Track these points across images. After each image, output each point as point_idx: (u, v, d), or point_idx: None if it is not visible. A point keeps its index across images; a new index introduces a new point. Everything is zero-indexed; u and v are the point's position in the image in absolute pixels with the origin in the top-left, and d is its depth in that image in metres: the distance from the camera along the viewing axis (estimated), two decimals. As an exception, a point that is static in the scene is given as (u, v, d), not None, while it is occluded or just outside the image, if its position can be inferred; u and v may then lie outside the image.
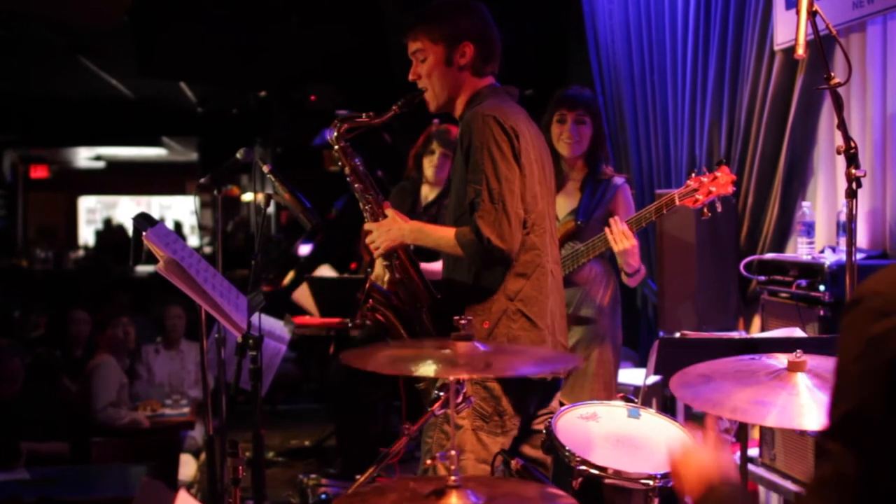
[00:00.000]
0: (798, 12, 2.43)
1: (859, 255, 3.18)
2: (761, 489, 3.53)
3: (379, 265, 2.83)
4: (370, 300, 2.71)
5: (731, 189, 3.19)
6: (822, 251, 3.46)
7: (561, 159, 3.52)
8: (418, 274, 2.76)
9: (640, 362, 4.81)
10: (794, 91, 3.90)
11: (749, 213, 4.20)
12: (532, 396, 2.63)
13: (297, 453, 5.96)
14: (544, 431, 2.44)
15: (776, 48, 3.96)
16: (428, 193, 4.32)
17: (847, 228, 2.53)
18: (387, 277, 2.79)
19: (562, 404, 2.70)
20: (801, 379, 2.14)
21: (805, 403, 2.06)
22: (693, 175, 3.21)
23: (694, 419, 3.90)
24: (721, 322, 4.12)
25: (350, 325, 5.21)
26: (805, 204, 3.61)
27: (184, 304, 5.47)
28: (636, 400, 2.60)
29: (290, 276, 7.86)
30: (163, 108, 13.14)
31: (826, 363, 2.22)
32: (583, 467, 2.28)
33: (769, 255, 3.70)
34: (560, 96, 3.54)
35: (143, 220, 2.41)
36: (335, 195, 8.01)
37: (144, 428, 4.97)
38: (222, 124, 12.81)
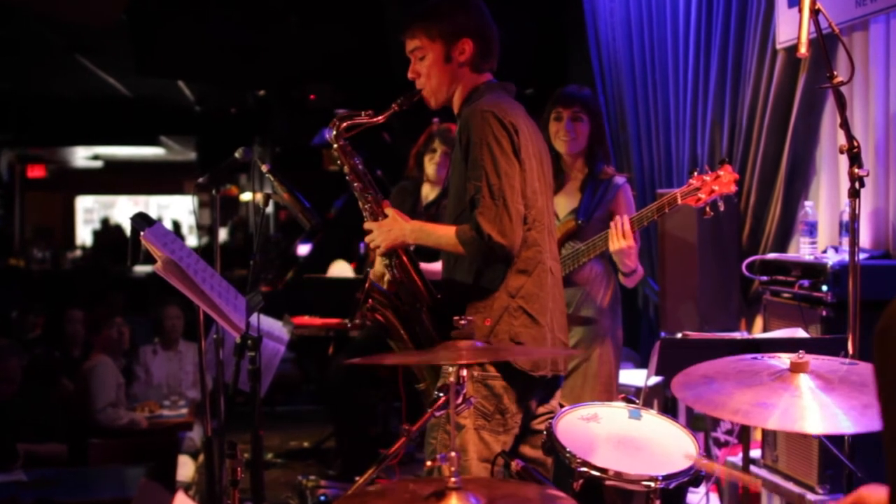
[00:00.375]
0: (800, 10, 2.42)
1: (862, 255, 3.17)
2: (763, 491, 3.52)
3: (379, 264, 2.81)
4: (370, 300, 2.69)
5: (733, 188, 3.17)
6: (824, 251, 3.44)
7: (561, 158, 3.51)
8: (418, 274, 2.74)
9: (642, 363, 4.80)
10: (796, 90, 3.89)
11: (751, 213, 4.19)
12: (533, 394, 2.62)
13: (296, 455, 5.94)
14: (545, 432, 2.43)
15: (778, 47, 3.94)
16: (429, 192, 4.31)
17: (850, 228, 2.52)
18: (386, 277, 2.77)
19: (561, 406, 2.69)
20: (804, 380, 2.13)
21: (807, 406, 2.05)
22: (695, 174, 3.19)
23: (696, 420, 3.88)
24: (723, 322, 4.11)
25: (349, 325, 5.20)
26: (808, 203, 3.60)
27: (182, 305, 5.46)
28: (637, 401, 2.59)
29: (290, 275, 7.85)
30: (161, 107, 13.12)
31: (828, 364, 2.20)
32: (584, 469, 2.26)
33: (771, 255, 3.68)
34: (557, 94, 3.54)
35: (140, 220, 2.40)
36: (334, 195, 7.98)
37: (142, 429, 4.96)
38: (221, 123, 12.80)
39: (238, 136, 10.94)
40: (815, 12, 2.43)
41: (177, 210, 19.25)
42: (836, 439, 2.74)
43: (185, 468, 4.98)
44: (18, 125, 14.08)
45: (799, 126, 3.91)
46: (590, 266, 3.44)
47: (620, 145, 5.39)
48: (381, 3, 6.99)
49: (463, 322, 1.97)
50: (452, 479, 1.72)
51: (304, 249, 8.67)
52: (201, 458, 5.03)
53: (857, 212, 2.49)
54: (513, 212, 2.50)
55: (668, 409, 3.95)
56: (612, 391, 3.42)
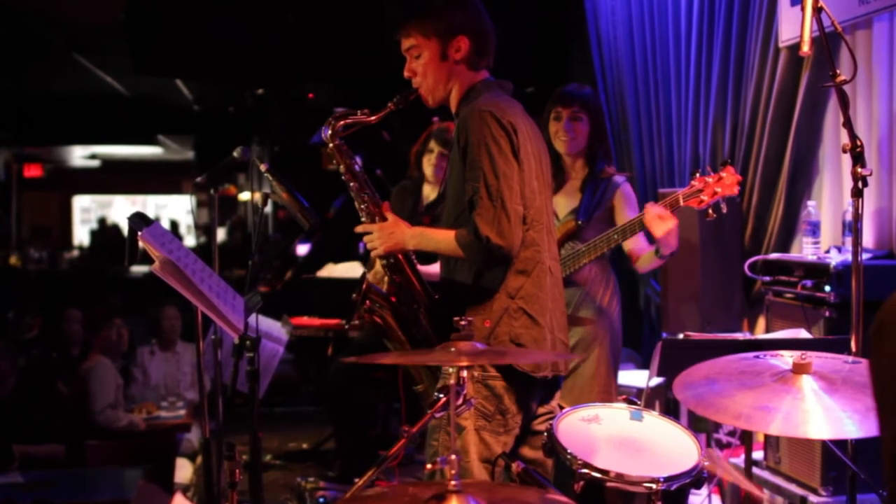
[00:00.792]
0: (803, 9, 2.41)
1: (865, 255, 3.16)
2: (766, 493, 3.50)
3: (378, 265, 2.79)
4: (367, 301, 2.67)
5: (736, 190, 3.15)
6: (827, 251, 3.42)
7: (561, 158, 3.50)
8: (416, 275, 2.73)
9: (643, 364, 4.77)
10: (799, 89, 3.87)
11: (754, 213, 4.17)
12: (534, 394, 2.61)
13: (295, 456, 5.92)
14: (545, 434, 2.41)
15: (781, 45, 3.92)
16: (430, 193, 4.29)
17: (853, 228, 2.50)
18: (384, 279, 2.75)
19: (561, 407, 2.67)
20: (807, 381, 2.11)
21: (810, 409, 2.03)
22: (698, 175, 3.17)
23: (698, 422, 3.86)
24: (725, 323, 4.10)
25: (346, 326, 5.17)
26: (810, 203, 3.58)
27: (180, 305, 5.43)
28: (639, 402, 2.57)
29: (288, 275, 7.83)
30: (159, 106, 13.10)
31: (831, 364, 2.18)
32: (585, 470, 2.24)
33: (774, 255, 3.67)
34: (556, 93, 3.54)
35: (138, 220, 2.39)
36: (333, 194, 7.96)
37: (140, 430, 4.94)
38: (219, 123, 12.77)
39: (236, 135, 10.90)
40: (817, 10, 2.41)
41: (174, 210, 19.24)
42: (840, 441, 2.73)
43: (183, 470, 4.95)
44: (15, 124, 14.07)
45: (802, 125, 3.89)
46: (589, 266, 3.42)
47: (622, 144, 5.37)
48: (381, 2, 6.97)
49: (463, 323, 1.95)
50: (452, 483, 1.71)
51: (302, 249, 8.64)
52: (199, 459, 5.00)
53: (860, 211, 2.48)
54: (511, 213, 2.48)
55: (670, 410, 3.92)
56: (610, 392, 3.40)
